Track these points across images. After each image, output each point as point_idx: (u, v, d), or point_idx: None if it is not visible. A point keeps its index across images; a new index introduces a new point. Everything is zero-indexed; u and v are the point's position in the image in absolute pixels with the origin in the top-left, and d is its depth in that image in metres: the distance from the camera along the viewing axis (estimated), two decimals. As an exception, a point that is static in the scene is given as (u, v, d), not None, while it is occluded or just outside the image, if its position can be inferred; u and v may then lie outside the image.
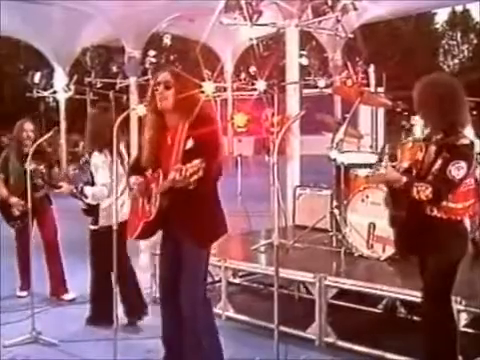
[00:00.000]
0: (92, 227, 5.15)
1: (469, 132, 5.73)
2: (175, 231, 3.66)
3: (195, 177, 3.18)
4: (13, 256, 6.15)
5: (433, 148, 3.45)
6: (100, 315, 5.06)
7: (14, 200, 5.83)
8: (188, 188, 3.27)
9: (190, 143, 3.50)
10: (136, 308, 5.16)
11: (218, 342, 3.76)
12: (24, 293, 5.96)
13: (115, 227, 3.79)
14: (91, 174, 5.05)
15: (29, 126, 5.97)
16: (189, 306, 3.60)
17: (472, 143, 3.40)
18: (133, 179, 3.74)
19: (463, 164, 3.29)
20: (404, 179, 3.35)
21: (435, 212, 3.40)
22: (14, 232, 6.08)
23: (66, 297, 5.94)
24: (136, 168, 3.85)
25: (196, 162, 3.19)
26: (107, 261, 4.22)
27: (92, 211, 5.10)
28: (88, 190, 5.01)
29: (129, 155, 5.12)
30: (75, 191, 5.07)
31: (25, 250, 5.58)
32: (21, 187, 5.71)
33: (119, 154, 4.79)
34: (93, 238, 5.18)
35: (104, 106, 5.63)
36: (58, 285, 6.01)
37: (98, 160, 5.00)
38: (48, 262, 6.01)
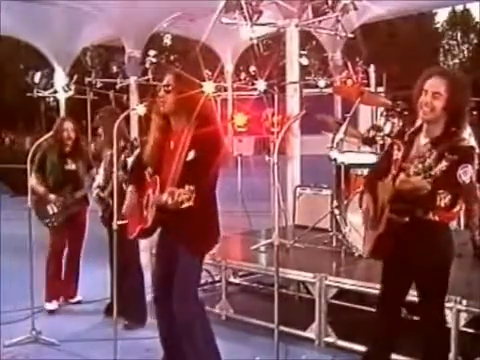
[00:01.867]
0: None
1: (471, 136, 5.77)
2: (170, 236, 3.67)
3: (186, 204, 3.17)
4: (13, 255, 6.15)
5: (425, 147, 3.33)
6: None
7: (52, 197, 5.64)
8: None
9: (192, 154, 3.49)
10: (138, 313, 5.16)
11: (214, 343, 3.74)
12: (54, 305, 5.68)
13: (115, 227, 3.80)
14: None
15: (69, 125, 5.78)
16: (182, 308, 3.60)
17: (474, 146, 3.36)
18: (130, 188, 3.78)
19: (470, 168, 3.20)
20: (429, 186, 3.12)
21: (430, 215, 3.29)
22: (49, 234, 5.82)
23: (72, 300, 5.89)
24: (137, 167, 3.88)
25: (188, 188, 3.18)
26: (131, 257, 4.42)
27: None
28: None
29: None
30: None
31: (58, 255, 5.51)
32: (60, 187, 5.70)
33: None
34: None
35: (111, 108, 5.75)
36: (70, 288, 5.93)
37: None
38: (67, 263, 5.90)
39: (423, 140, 3.39)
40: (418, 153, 3.34)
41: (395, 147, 3.49)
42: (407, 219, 3.31)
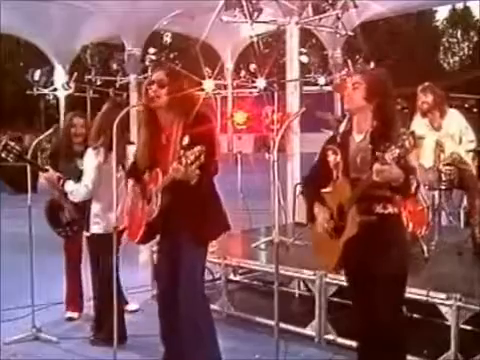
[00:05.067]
0: (86, 234, 4.71)
1: (468, 128, 5.76)
2: (174, 228, 3.64)
3: (197, 163, 3.11)
4: (13, 253, 6.14)
5: (362, 142, 3.25)
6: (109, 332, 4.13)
7: (66, 203, 4.92)
8: (188, 184, 3.25)
9: (186, 140, 3.44)
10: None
11: (216, 339, 3.75)
12: (75, 314, 5.34)
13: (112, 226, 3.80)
14: (80, 171, 4.65)
15: (79, 121, 5.15)
16: (188, 304, 3.60)
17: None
18: (130, 182, 3.75)
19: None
20: (403, 175, 3.02)
21: (390, 209, 3.21)
22: (63, 241, 5.31)
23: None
24: (133, 171, 3.83)
25: (197, 148, 3.12)
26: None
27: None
28: (69, 185, 4.57)
29: None
30: (57, 182, 4.63)
31: (75, 264, 5.18)
32: None
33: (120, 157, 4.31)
34: (89, 246, 4.75)
35: (118, 101, 5.20)
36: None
37: (88, 159, 4.57)
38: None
39: (357, 137, 3.31)
40: (358, 150, 3.27)
41: (329, 152, 3.38)
42: (374, 217, 3.19)
